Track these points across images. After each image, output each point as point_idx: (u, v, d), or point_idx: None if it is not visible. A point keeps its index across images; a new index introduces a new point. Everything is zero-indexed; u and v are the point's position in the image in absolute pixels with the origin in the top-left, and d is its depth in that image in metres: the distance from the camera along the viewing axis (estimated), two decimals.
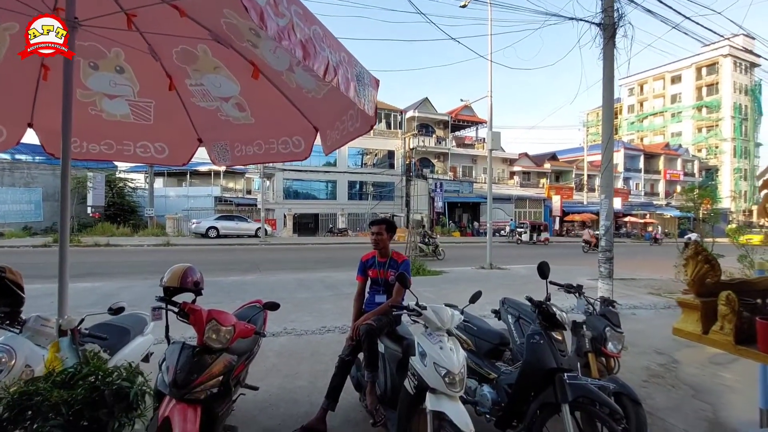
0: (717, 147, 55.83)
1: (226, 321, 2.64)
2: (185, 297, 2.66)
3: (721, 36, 10.75)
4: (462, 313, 2.83)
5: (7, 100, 2.31)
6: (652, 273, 12.43)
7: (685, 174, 49.82)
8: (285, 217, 30.85)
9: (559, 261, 15.05)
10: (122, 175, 30.44)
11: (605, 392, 2.57)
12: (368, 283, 3.46)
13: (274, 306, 3.21)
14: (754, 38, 15.47)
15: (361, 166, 35.99)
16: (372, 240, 3.40)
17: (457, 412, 2.26)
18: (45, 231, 24.92)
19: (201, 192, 31.17)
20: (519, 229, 29.90)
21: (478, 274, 11.99)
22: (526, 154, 42.78)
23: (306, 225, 32.29)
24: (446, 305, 2.72)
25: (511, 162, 41.88)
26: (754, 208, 44.00)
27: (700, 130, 58.07)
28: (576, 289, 3.64)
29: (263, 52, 1.99)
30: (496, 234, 22.51)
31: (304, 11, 1.32)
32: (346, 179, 34.08)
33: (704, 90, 57.31)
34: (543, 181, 42.75)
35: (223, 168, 28.80)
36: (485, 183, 35.15)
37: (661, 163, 49.30)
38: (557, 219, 38.93)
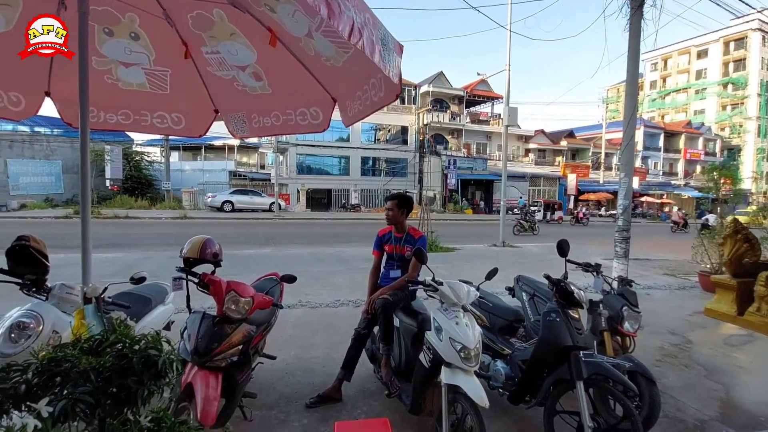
0: (741, 126, 53.64)
1: (244, 292, 2.68)
2: (205, 268, 2.71)
3: (753, 8, 10.14)
4: (477, 289, 2.82)
5: (23, 67, 2.29)
6: (666, 253, 12.25)
7: (706, 153, 48.22)
8: (298, 192, 30.96)
9: (572, 240, 14.87)
10: (138, 149, 30.77)
11: (620, 370, 2.56)
12: (384, 257, 3.46)
13: (291, 278, 3.26)
14: None
15: (374, 142, 35.62)
16: (385, 215, 3.40)
17: (473, 386, 2.28)
18: (66, 203, 25.52)
19: (216, 166, 31.36)
20: (532, 208, 29.58)
21: (490, 252, 11.97)
22: (542, 131, 41.78)
23: (319, 200, 32.42)
24: (460, 281, 2.72)
25: (526, 139, 40.99)
26: None
27: (724, 108, 55.72)
28: (594, 268, 3.60)
29: (281, 16, 1.91)
30: (510, 212, 22.30)
31: None
32: (359, 155, 33.87)
33: (731, 66, 54.60)
34: (559, 159, 41.84)
35: (237, 142, 28.83)
36: (499, 160, 34.62)
37: (681, 142, 47.71)
38: (572, 198, 38.30)
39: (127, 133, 23.39)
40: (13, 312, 2.28)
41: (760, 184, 50.26)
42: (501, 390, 2.99)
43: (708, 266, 7.43)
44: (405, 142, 35.51)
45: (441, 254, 10.87)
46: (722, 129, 54.54)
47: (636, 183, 32.46)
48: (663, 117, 58.26)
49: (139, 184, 29.37)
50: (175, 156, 32.29)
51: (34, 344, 2.21)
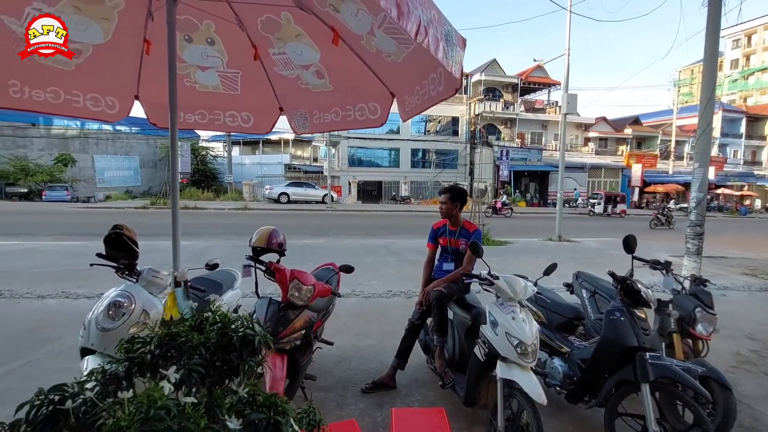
0: None
1: (307, 281, 2.84)
2: (270, 257, 2.91)
3: None
4: (535, 285, 2.77)
5: (117, 73, 2.57)
6: (746, 251, 11.13)
7: None
8: (350, 184, 31.58)
9: (637, 235, 13.93)
10: (203, 144, 32.93)
11: (691, 375, 2.42)
12: (438, 250, 3.49)
13: (349, 269, 3.39)
14: None
15: (424, 134, 35.34)
16: (439, 209, 3.42)
17: (530, 382, 2.26)
18: (143, 194, 28.01)
19: (272, 159, 32.83)
20: (592, 200, 27.91)
21: (545, 246, 11.54)
22: (604, 119, 39.16)
23: (369, 192, 32.85)
24: (516, 276, 2.69)
25: (586, 127, 38.64)
26: None
27: None
28: (663, 266, 3.39)
29: (344, 15, 1.99)
30: (566, 205, 21.25)
31: None
32: (409, 147, 33.80)
33: None
34: (622, 148, 39.06)
35: (292, 136, 29.92)
36: (556, 150, 32.98)
37: (767, 127, 42.62)
38: (636, 190, 35.63)
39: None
40: (110, 292, 2.57)
41: None
42: (558, 388, 2.93)
43: None
44: (455, 133, 34.88)
45: (492, 248, 10.66)
46: None
47: (712, 173, 29.53)
48: (745, 99, 52.25)
49: (205, 177, 31.54)
50: (236, 150, 34.21)
51: (127, 321, 2.50)
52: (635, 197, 35.62)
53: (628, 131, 39.17)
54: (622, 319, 2.56)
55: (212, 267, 3.17)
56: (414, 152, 34.33)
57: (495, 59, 36.30)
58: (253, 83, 2.86)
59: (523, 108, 36.83)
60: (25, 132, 25.07)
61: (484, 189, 31.19)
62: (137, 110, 2.96)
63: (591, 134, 38.57)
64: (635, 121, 40.53)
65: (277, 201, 26.01)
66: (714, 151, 37.62)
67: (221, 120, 3.06)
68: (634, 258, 3.00)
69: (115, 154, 28.66)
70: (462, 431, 2.74)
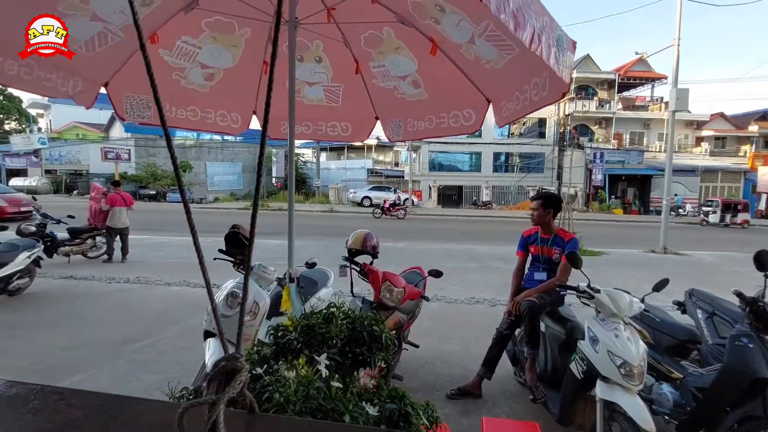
0: None
1: (398, 283, 2.96)
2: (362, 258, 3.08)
3: None
4: (642, 301, 2.56)
5: (240, 93, 2.94)
6: None
7: None
8: (430, 188, 31.62)
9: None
10: (296, 150, 35.73)
11: None
12: (528, 259, 3.39)
13: (438, 274, 3.44)
14: None
15: (507, 137, 34.01)
16: (530, 216, 3.32)
17: (635, 407, 2.11)
18: (244, 196, 31.16)
19: (356, 165, 34.28)
20: (705, 208, 24.45)
21: (647, 259, 10.42)
22: (721, 115, 34.13)
23: (450, 197, 32.56)
24: (619, 290, 2.51)
25: (698, 125, 34.00)
26: None
27: None
28: None
29: (445, 26, 2.08)
30: (672, 213, 18.91)
31: None
32: (491, 150, 32.79)
33: None
34: (745, 148, 33.62)
35: (374, 141, 30.91)
36: (659, 152, 29.55)
37: None
38: (764, 197, 30.38)
39: None
40: (227, 283, 2.93)
41: None
42: (667, 417, 2.67)
43: None
44: (542, 135, 33.02)
45: (585, 257, 9.90)
46: None
47: None
48: None
49: (296, 181, 34.07)
50: (323, 156, 36.30)
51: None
52: (761, 205, 30.41)
53: (754, 128, 33.59)
54: (750, 346, 2.26)
55: (311, 266, 3.45)
56: (496, 156, 33.22)
57: (588, 54, 33.67)
58: (352, 95, 3.07)
59: (620, 106, 33.57)
60: (155, 143, 29.43)
61: (574, 194, 29.05)
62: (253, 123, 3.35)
63: (705, 133, 33.84)
64: (762, 116, 34.59)
65: (360, 204, 27.08)
66: None
67: (323, 130, 3.33)
68: (767, 276, 2.62)
69: (223, 161, 32.39)
70: None
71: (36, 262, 5.65)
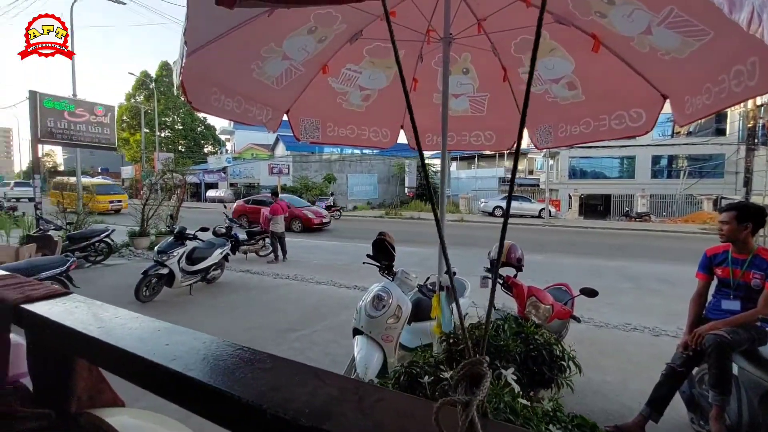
0: None
1: (544, 299, 2.77)
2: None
3: None
4: None
5: (390, 110, 3.18)
6: None
7: None
8: (570, 197, 28.79)
9: None
10: (427, 161, 36.77)
11: None
12: (714, 283, 2.81)
13: (592, 293, 3.11)
14: None
15: (671, 136, 28.84)
16: (719, 230, 2.74)
17: None
18: (379, 205, 33.50)
19: (487, 173, 33.48)
20: None
21: None
22: None
23: (594, 207, 29.14)
24: None
25: None
26: None
27: None
28: None
29: (612, 19, 1.91)
30: None
31: None
32: (649, 153, 28.23)
33: None
34: None
35: (506, 150, 29.71)
36: None
37: None
38: None
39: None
40: (374, 287, 3.14)
41: None
42: None
43: None
44: (720, 132, 27.13)
45: None
46: None
47: None
48: None
49: (427, 191, 35.08)
50: (453, 165, 36.45)
51: (386, 313, 3.00)
52: None
53: None
54: None
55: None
56: (655, 159, 28.44)
57: None
58: (498, 104, 3.02)
59: None
60: (307, 158, 33.83)
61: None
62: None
63: None
64: None
65: (491, 214, 26.24)
66: None
67: (467, 140, 3.35)
68: None
69: (361, 172, 35.27)
70: None
71: (225, 258, 7.05)
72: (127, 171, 40.27)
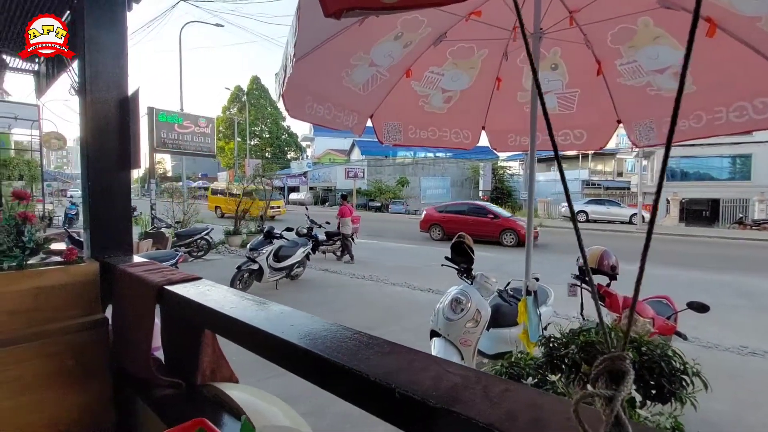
0: None
1: (643, 312, 2.53)
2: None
3: None
4: None
5: (472, 111, 3.14)
6: None
7: None
8: (668, 202, 25.81)
9: None
10: (501, 164, 35.50)
11: None
12: None
13: (702, 308, 2.78)
14: None
15: None
16: None
17: None
18: None
19: (568, 176, 31.08)
20: None
21: None
22: None
23: (698, 213, 25.81)
24: None
25: None
26: None
27: None
28: None
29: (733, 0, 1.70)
30: None
31: None
32: None
33: None
34: None
35: (591, 150, 27.60)
36: None
37: None
38: None
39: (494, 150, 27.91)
40: (452, 289, 3.11)
41: None
42: None
43: None
44: None
45: None
46: None
47: None
48: None
49: (502, 194, 33.84)
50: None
51: (465, 316, 2.95)
52: None
53: None
54: None
55: (534, 280, 3.32)
56: None
57: None
58: (590, 99, 2.83)
59: None
60: (381, 162, 34.65)
61: None
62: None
63: None
64: None
65: None
66: None
67: (549, 140, 3.16)
68: None
69: (434, 176, 35.20)
70: None
71: (307, 256, 7.49)
72: (223, 176, 44.72)
